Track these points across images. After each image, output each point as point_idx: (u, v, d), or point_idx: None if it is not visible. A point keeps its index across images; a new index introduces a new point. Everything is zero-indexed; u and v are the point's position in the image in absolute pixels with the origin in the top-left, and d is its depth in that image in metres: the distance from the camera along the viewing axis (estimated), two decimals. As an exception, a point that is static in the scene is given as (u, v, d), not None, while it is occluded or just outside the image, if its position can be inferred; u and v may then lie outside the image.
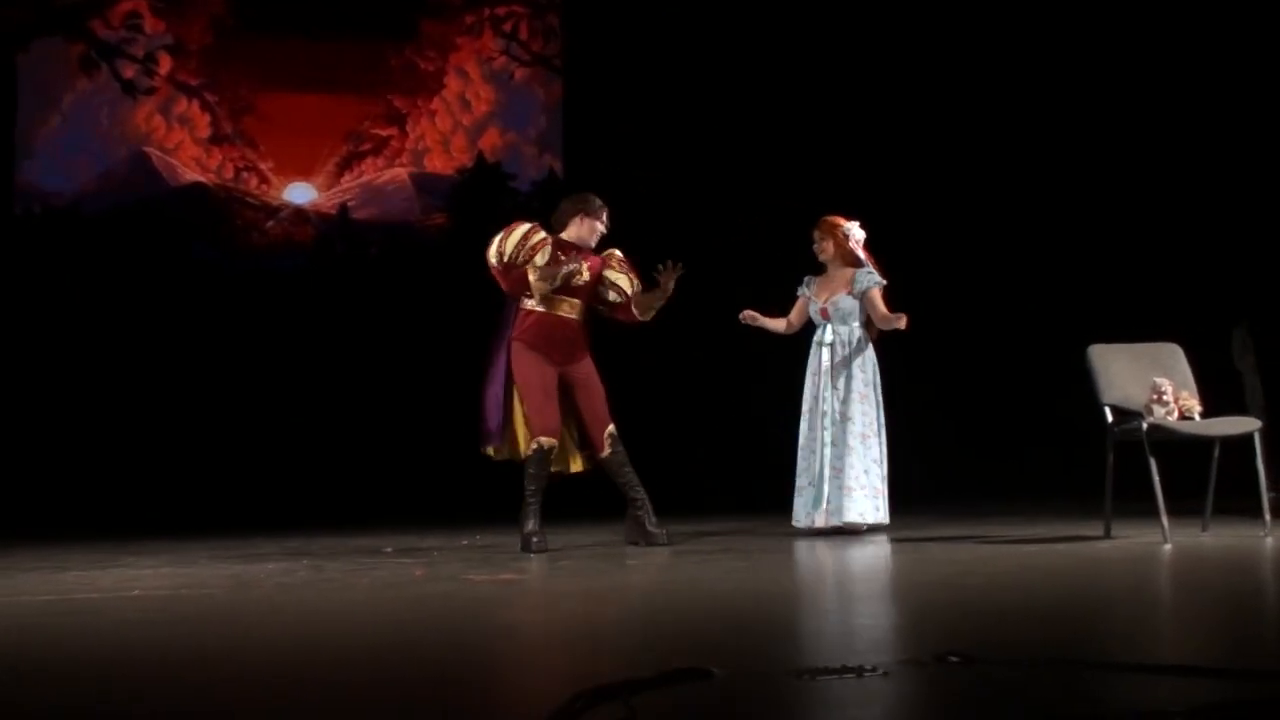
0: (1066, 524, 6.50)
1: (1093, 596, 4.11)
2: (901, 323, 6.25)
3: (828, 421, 6.36)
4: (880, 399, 6.44)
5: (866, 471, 6.32)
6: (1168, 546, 5.42)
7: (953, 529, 6.48)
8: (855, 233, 6.51)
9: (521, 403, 5.89)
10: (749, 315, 6.51)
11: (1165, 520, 5.57)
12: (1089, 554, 5.30)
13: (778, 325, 6.60)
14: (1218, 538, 5.79)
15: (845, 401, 6.36)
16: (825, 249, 6.54)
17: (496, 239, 5.96)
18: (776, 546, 5.94)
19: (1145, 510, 5.77)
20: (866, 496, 6.29)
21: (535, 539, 5.77)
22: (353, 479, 9.05)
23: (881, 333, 6.52)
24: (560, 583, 4.73)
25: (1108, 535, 5.84)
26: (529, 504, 5.85)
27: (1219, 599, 4.11)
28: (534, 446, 5.83)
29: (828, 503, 6.29)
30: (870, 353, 6.47)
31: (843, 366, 6.41)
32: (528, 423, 5.88)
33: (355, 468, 9.12)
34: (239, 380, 9.24)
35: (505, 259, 5.92)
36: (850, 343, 6.44)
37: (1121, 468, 5.85)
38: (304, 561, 5.55)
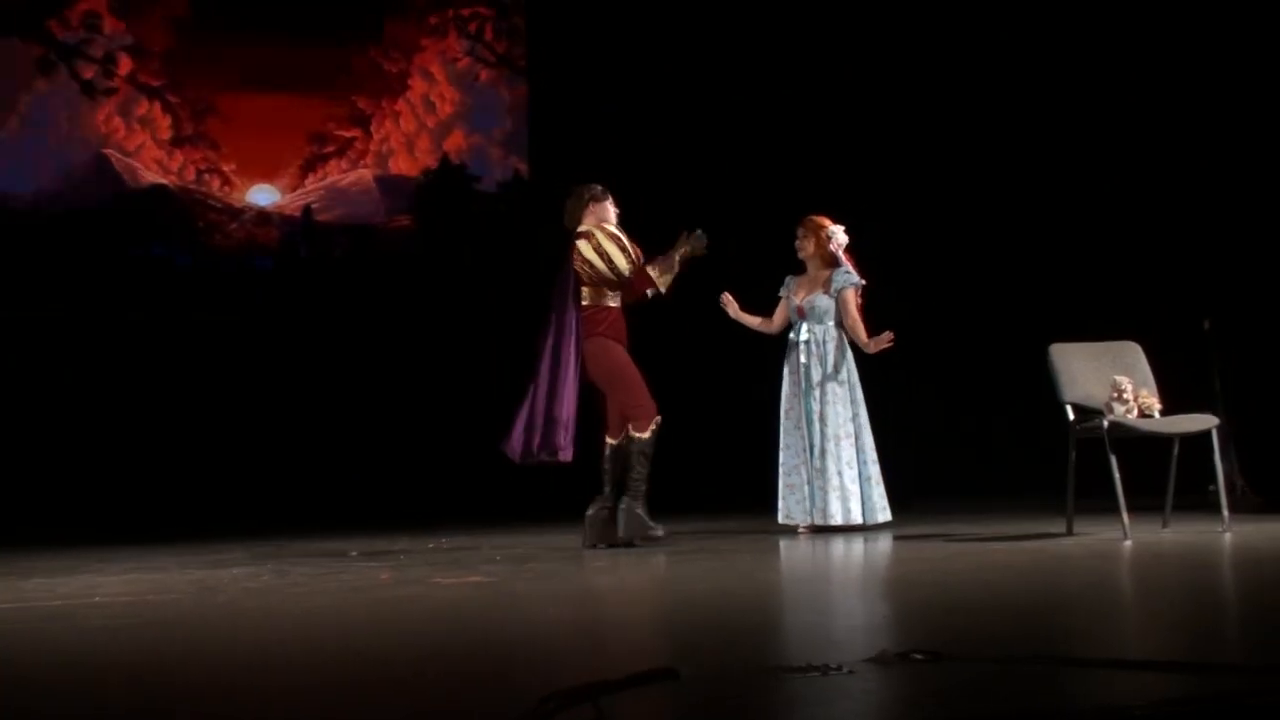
0: (1029, 521, 6.54)
1: (1055, 593, 4.15)
2: (883, 344, 6.31)
3: (806, 421, 6.42)
4: (859, 398, 6.48)
5: (839, 473, 6.37)
6: (1128, 543, 5.47)
7: (917, 527, 6.51)
8: (839, 236, 6.57)
9: (623, 394, 5.94)
10: (727, 300, 6.56)
11: (1126, 517, 5.62)
12: (1051, 551, 5.35)
13: (753, 321, 6.65)
14: (1177, 534, 5.85)
15: (821, 402, 6.42)
16: (805, 247, 6.59)
17: (610, 249, 5.96)
18: (748, 546, 5.96)
19: (1107, 507, 5.82)
20: (839, 498, 6.34)
21: (659, 527, 5.89)
22: (318, 482, 9.01)
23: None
24: (530, 585, 4.73)
25: (1070, 532, 5.89)
26: (646, 483, 5.91)
27: (1179, 594, 4.16)
28: (653, 427, 5.95)
29: (812, 503, 6.36)
30: (847, 352, 6.52)
31: (818, 366, 6.46)
32: (638, 409, 5.93)
33: (320, 471, 9.08)
34: (202, 384, 9.18)
35: (634, 261, 5.99)
36: (825, 342, 6.48)
37: (1083, 465, 5.90)
38: (269, 565, 5.52)
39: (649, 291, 6.06)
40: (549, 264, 9.86)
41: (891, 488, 6.60)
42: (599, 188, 6.14)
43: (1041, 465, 8.04)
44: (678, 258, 6.08)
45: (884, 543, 5.97)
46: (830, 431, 6.38)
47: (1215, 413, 6.13)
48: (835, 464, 6.37)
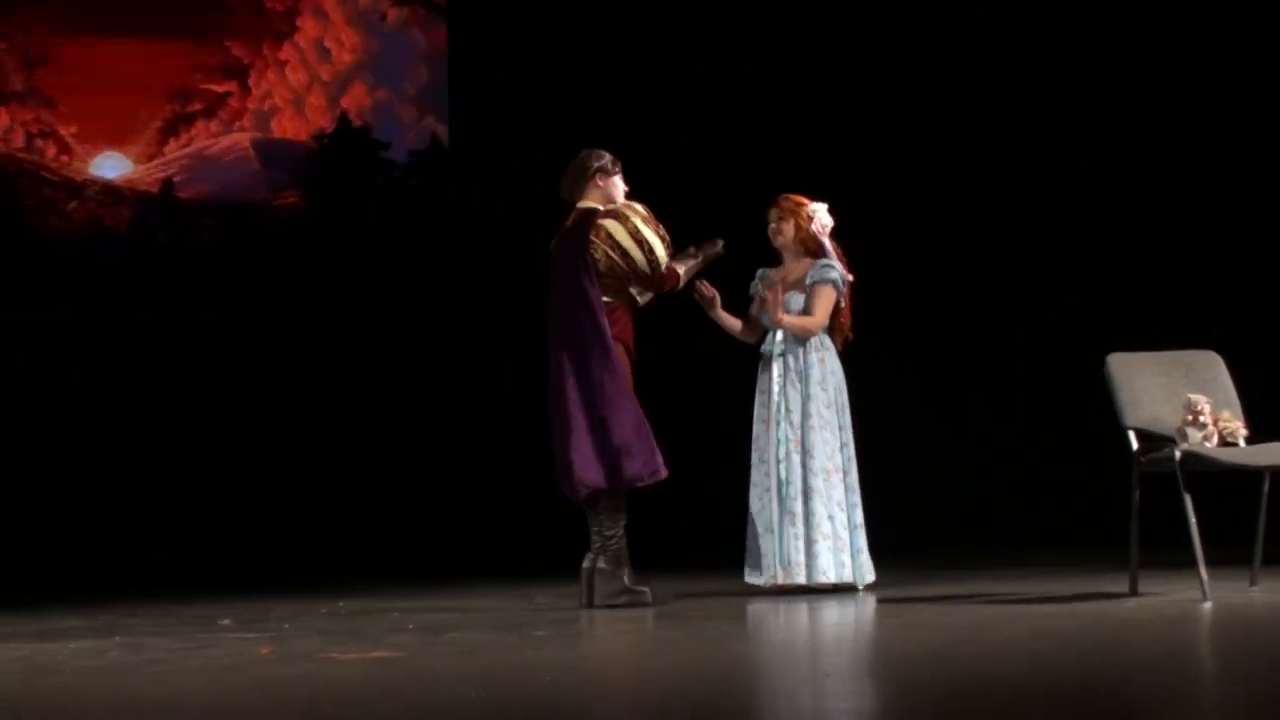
0: (1084, 578, 6.57)
1: (1117, 667, 4.16)
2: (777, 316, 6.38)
3: (781, 453, 6.38)
4: (848, 422, 6.47)
5: (831, 517, 6.34)
6: (1208, 605, 5.49)
7: (945, 586, 6.53)
8: (822, 217, 6.55)
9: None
10: (707, 295, 6.50)
11: (1204, 572, 5.64)
12: (1111, 615, 5.37)
13: (734, 325, 6.61)
14: (1270, 593, 5.88)
15: (802, 429, 6.38)
16: (783, 231, 6.57)
17: (650, 236, 6.10)
18: (724, 610, 5.96)
19: (1180, 560, 5.85)
20: (831, 549, 6.32)
21: (647, 590, 6.08)
22: (178, 532, 8.94)
23: (847, 340, 6.56)
24: (450, 662, 4.71)
25: (1134, 592, 5.92)
26: (624, 540, 6.09)
27: (1272, 670, 4.18)
28: None
29: (785, 556, 6.31)
30: (834, 365, 6.49)
31: (798, 383, 6.43)
32: None
33: (180, 516, 9.01)
34: (26, 400, 9.09)
35: (671, 252, 6.17)
36: (806, 352, 6.46)
37: (1150, 506, 5.93)
38: (117, 639, 5.49)
39: (670, 287, 6.26)
40: (471, 251, 9.88)
41: (911, 535, 6.61)
42: (609, 158, 6.26)
43: (1098, 507, 8.07)
44: (700, 259, 6.33)
45: (902, 606, 5.97)
46: (818, 465, 6.36)
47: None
48: (825, 506, 6.33)
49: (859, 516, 6.41)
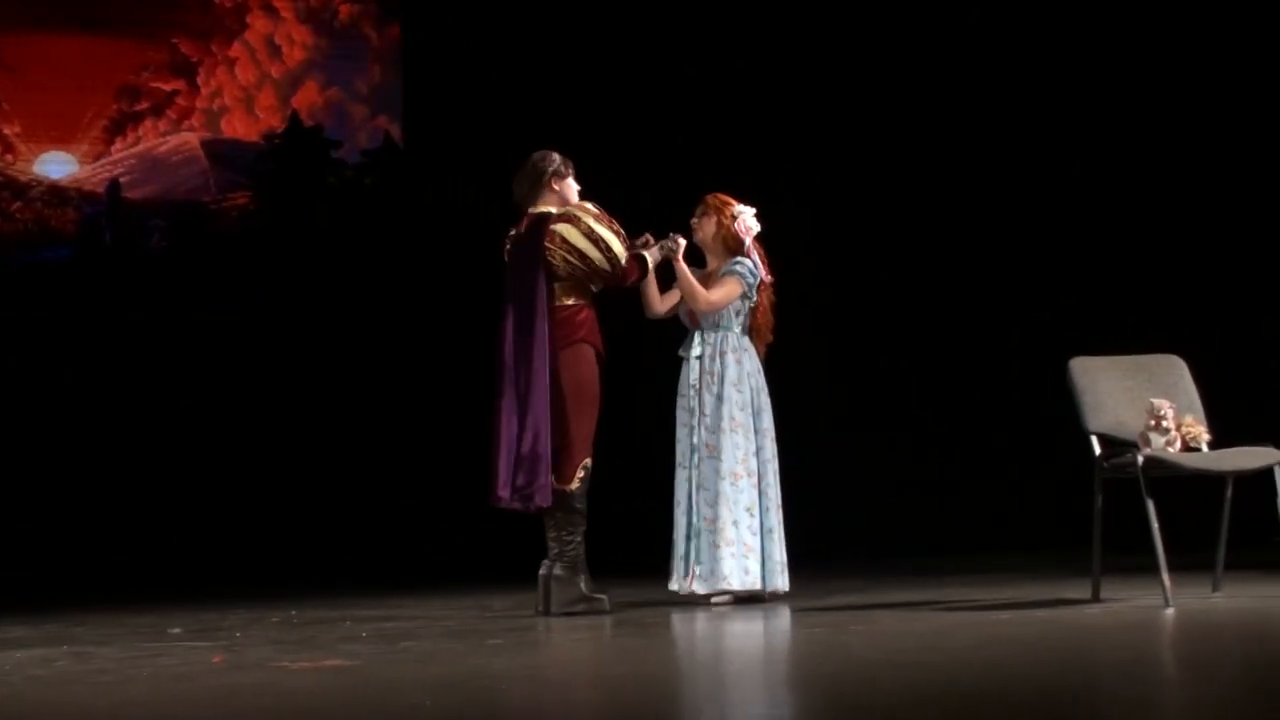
0: (1046, 584, 6.61)
1: (1078, 675, 4.19)
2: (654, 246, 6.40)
3: (692, 456, 6.41)
4: (766, 426, 6.46)
5: (736, 522, 6.32)
6: (1170, 611, 5.54)
7: (904, 593, 6.56)
8: (747, 220, 6.55)
9: (577, 418, 6.17)
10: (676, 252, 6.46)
11: (1167, 578, 5.69)
12: (1073, 622, 5.40)
13: (654, 297, 6.55)
14: (1232, 599, 5.94)
15: (714, 430, 6.41)
16: (704, 227, 6.57)
17: (604, 233, 6.14)
18: (683, 618, 5.99)
19: (1142, 565, 5.90)
20: (735, 555, 6.30)
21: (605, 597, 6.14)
22: (126, 538, 8.90)
23: (768, 344, 6.56)
24: (404, 670, 4.71)
25: (1096, 598, 5.96)
26: (581, 547, 6.13)
27: (1233, 674, 4.22)
28: (580, 475, 6.17)
29: (699, 562, 6.33)
30: (752, 365, 6.49)
31: (713, 385, 6.44)
32: (574, 444, 6.18)
33: (130, 523, 8.97)
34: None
35: (627, 244, 6.22)
36: (723, 354, 6.48)
37: (1112, 512, 5.97)
38: (64, 647, 5.47)
39: (633, 281, 6.31)
40: (425, 252, 9.86)
41: (866, 540, 6.61)
42: (559, 160, 6.33)
43: (1059, 512, 8.12)
44: (658, 250, 6.38)
45: (857, 614, 5.99)
46: (725, 468, 6.35)
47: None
48: (731, 510, 6.31)
49: (772, 521, 6.38)
